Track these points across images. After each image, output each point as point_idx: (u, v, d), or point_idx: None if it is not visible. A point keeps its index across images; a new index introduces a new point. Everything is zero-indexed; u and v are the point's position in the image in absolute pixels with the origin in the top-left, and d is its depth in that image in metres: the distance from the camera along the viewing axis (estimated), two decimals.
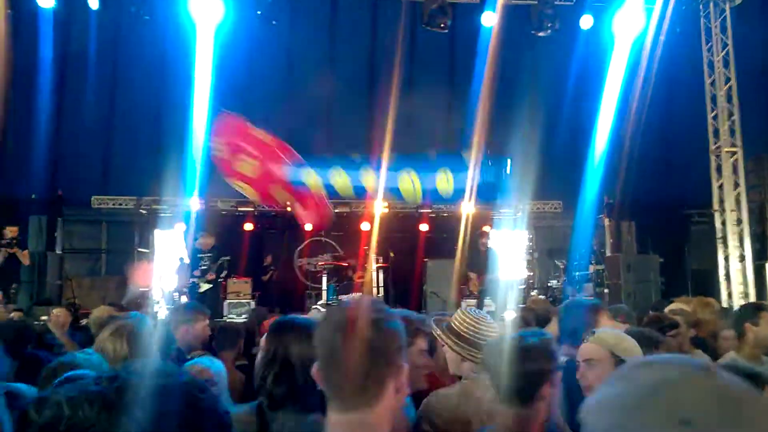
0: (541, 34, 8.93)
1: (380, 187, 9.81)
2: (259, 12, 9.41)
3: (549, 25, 8.75)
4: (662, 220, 11.28)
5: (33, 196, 10.52)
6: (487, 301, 8.89)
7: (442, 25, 8.81)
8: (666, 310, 4.15)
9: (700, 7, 11.24)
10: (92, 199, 11.41)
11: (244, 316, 9.58)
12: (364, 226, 11.64)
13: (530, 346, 1.83)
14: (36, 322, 6.31)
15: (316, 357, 1.33)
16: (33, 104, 9.65)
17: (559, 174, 11.28)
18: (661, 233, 11.08)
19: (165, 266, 10.13)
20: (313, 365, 1.32)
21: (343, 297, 10.54)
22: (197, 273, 9.24)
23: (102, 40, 10.43)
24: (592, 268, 10.64)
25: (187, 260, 9.43)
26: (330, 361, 1.28)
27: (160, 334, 2.76)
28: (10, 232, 8.65)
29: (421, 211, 12.20)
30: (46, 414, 0.71)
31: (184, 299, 9.01)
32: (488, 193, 9.55)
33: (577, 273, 10.96)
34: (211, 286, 9.42)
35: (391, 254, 11.21)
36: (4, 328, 3.54)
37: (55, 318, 4.66)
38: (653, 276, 10.02)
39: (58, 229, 10.28)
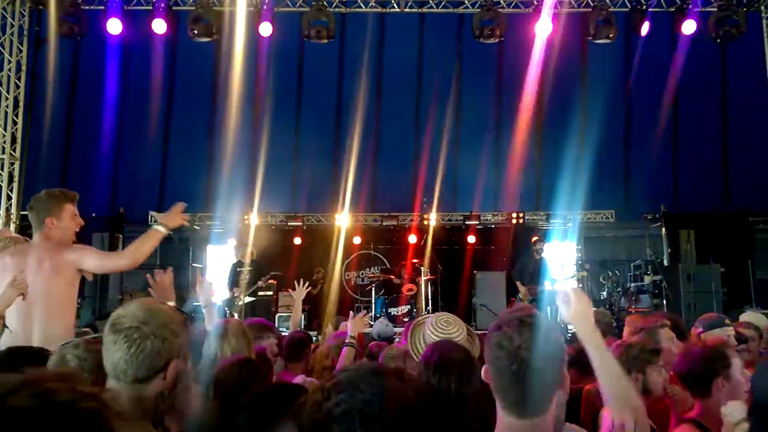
0: (598, 41, 8.68)
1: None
2: (306, 33, 9.53)
3: (605, 33, 8.51)
4: (724, 228, 10.86)
5: (93, 215, 10.92)
6: None
7: (495, 34, 8.57)
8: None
9: (762, 8, 10.85)
10: (149, 215, 11.79)
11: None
12: (412, 239, 11.64)
13: None
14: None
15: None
16: (96, 127, 10.03)
17: (611, 183, 11.02)
18: (723, 242, 10.64)
19: (217, 281, 10.33)
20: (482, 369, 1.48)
21: (392, 310, 10.55)
22: (238, 286, 9.14)
23: (161, 64, 10.78)
24: (648, 279, 10.30)
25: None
26: (517, 372, 1.39)
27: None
28: None
29: (469, 223, 12.10)
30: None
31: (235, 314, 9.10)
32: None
33: (631, 284, 10.66)
34: (254, 299, 9.43)
35: (440, 267, 11.15)
36: None
37: None
38: (714, 286, 9.64)
39: (120, 246, 10.64)
